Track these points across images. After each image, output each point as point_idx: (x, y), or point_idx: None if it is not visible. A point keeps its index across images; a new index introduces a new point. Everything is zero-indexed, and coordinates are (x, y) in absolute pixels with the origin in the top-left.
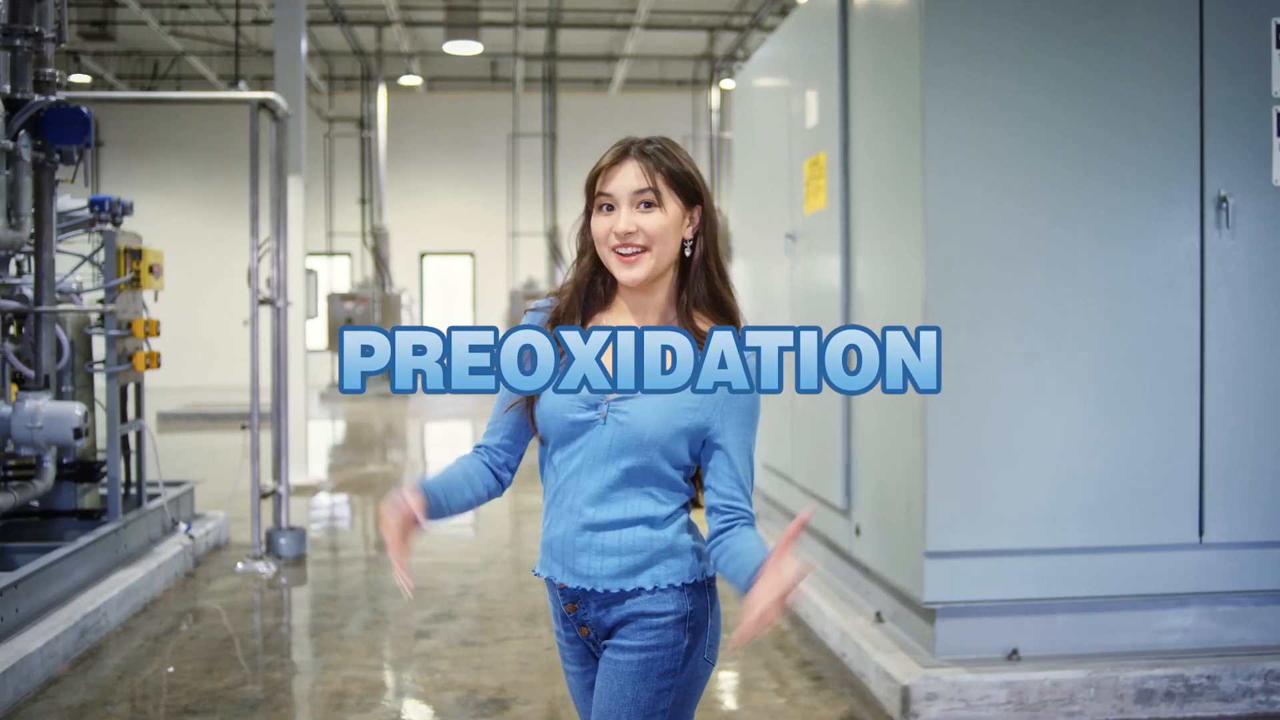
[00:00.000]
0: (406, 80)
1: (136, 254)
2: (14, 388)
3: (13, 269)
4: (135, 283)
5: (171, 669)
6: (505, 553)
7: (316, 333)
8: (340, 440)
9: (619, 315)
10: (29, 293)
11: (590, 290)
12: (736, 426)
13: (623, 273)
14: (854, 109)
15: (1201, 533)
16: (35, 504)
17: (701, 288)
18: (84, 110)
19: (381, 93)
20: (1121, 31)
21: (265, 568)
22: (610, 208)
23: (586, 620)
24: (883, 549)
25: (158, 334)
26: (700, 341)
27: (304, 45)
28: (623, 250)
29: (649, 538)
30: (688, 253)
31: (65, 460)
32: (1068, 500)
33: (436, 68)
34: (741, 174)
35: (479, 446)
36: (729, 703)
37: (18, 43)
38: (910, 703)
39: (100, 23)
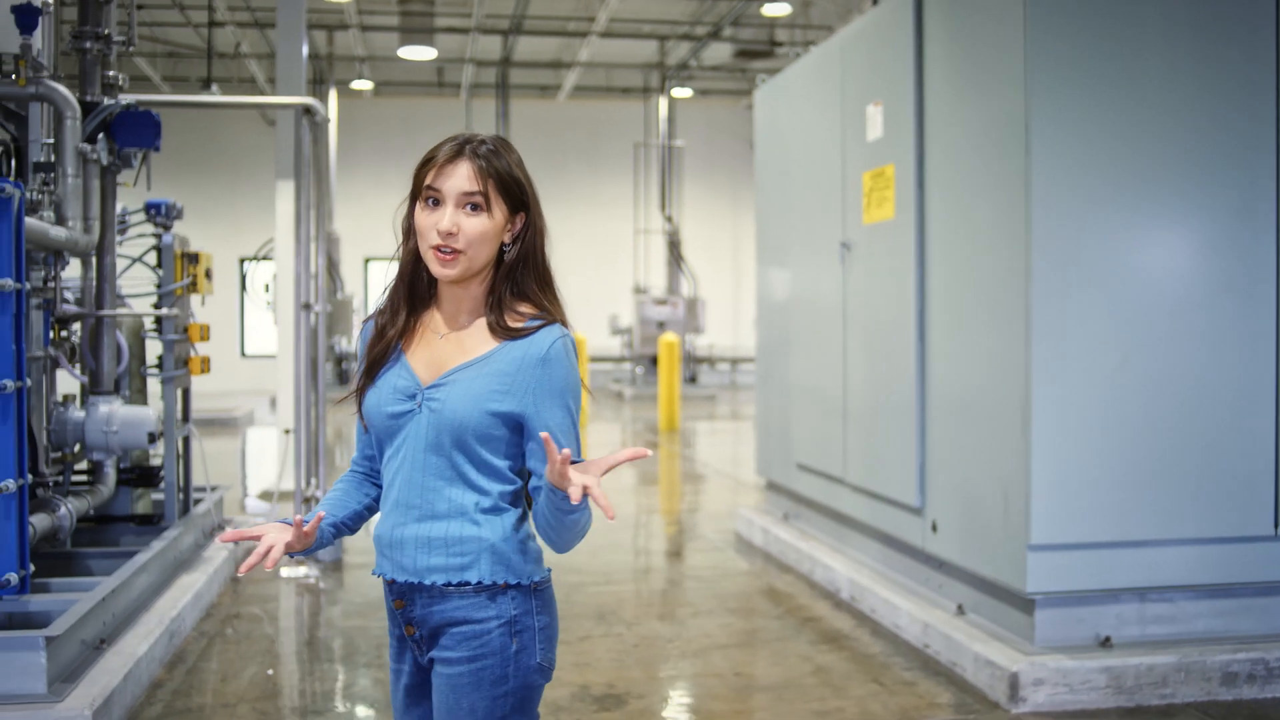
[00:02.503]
0: (357, 85)
1: (193, 258)
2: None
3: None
4: (192, 286)
5: (271, 671)
6: None
7: (268, 339)
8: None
9: (438, 303)
10: (69, 296)
11: (415, 279)
12: (552, 409)
13: (438, 269)
14: (929, 123)
15: (1277, 525)
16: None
17: (514, 288)
18: (154, 114)
19: (332, 97)
20: (1203, 56)
21: (309, 572)
22: (436, 202)
23: (413, 618)
24: (968, 543)
25: (208, 338)
26: (507, 334)
27: (305, 49)
28: (442, 250)
29: (474, 532)
30: (505, 256)
31: (122, 465)
32: (1155, 495)
33: (384, 72)
34: (767, 185)
35: (353, 464)
36: (830, 696)
37: (87, 45)
38: (1019, 688)
39: None
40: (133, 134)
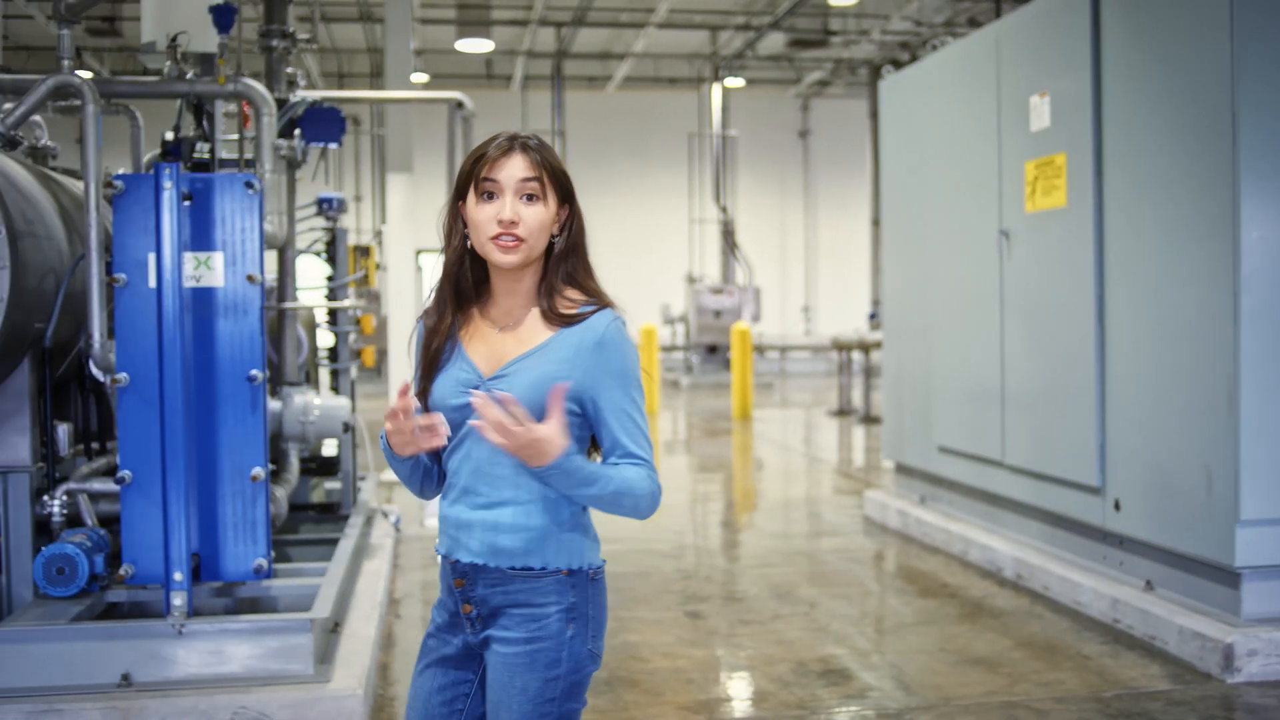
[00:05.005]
0: (413, 78)
1: (364, 251)
2: None
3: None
4: (365, 279)
5: None
6: (684, 540)
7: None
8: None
9: (491, 299)
10: None
11: (460, 278)
12: (611, 389)
13: (500, 257)
14: (1106, 112)
15: None
16: None
17: (563, 276)
18: (339, 111)
19: None
20: None
21: None
22: (492, 195)
23: (472, 597)
24: (1159, 520)
25: (372, 330)
26: (563, 321)
27: (411, 44)
28: (503, 238)
29: (540, 519)
30: (555, 246)
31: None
32: None
33: (435, 65)
34: (897, 176)
35: None
36: (1041, 669)
37: (274, 43)
38: (1234, 659)
39: (110, 18)
40: (320, 130)
